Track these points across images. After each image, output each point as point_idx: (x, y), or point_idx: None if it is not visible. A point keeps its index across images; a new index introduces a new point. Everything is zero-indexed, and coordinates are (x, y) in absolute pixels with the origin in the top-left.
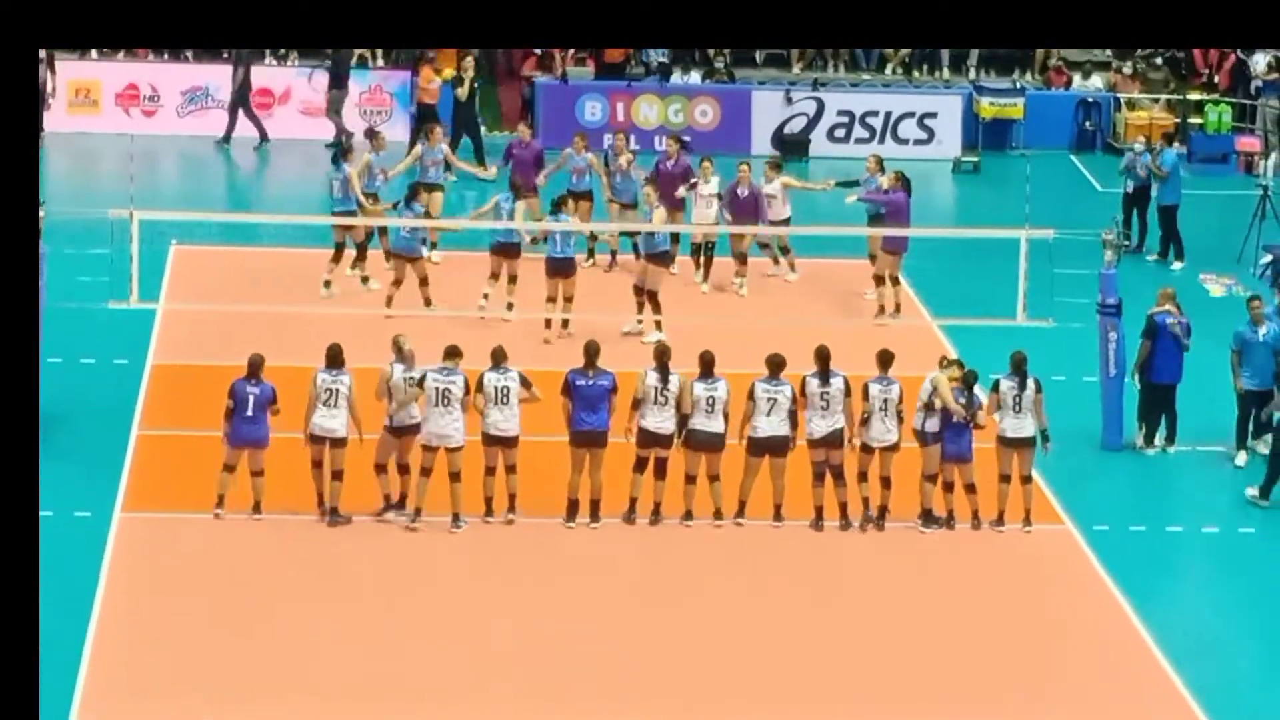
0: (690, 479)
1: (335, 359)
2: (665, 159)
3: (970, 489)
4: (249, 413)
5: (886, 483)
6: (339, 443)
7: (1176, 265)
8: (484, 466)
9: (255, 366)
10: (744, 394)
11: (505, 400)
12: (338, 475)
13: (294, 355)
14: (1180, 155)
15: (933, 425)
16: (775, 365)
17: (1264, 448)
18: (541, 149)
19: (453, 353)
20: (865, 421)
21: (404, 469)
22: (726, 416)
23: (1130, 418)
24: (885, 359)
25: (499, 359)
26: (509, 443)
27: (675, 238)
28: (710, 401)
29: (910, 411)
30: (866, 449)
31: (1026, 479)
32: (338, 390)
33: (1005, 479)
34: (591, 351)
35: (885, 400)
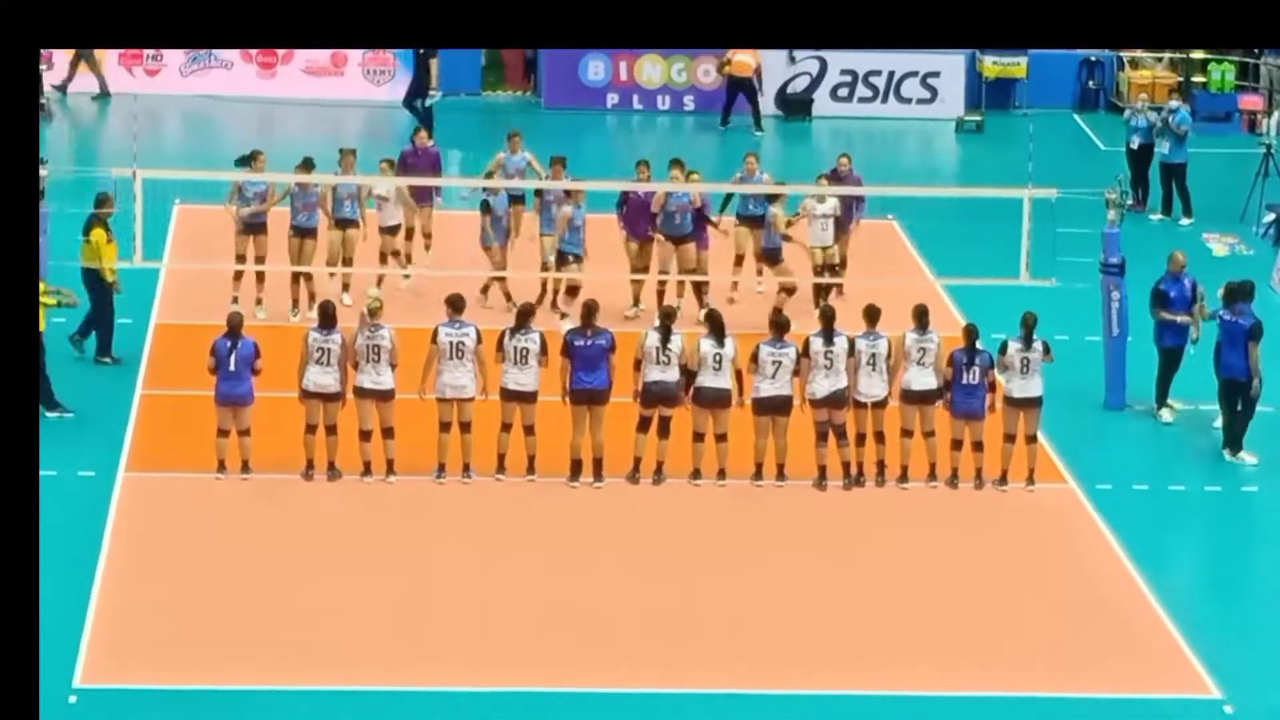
0: (698, 436)
1: (328, 318)
2: (633, 190)
3: (977, 447)
4: (231, 368)
5: (880, 438)
6: (334, 398)
7: (1185, 221)
8: (500, 422)
9: (235, 326)
10: (748, 355)
11: (525, 360)
12: (332, 430)
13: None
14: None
15: (923, 382)
16: (779, 326)
17: None
18: (438, 154)
19: (456, 304)
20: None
21: (365, 435)
22: (737, 374)
23: (1134, 378)
24: (872, 314)
25: (524, 318)
26: (527, 398)
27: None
28: (717, 359)
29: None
30: (857, 404)
31: (1031, 439)
32: (330, 349)
33: (1010, 439)
34: (590, 310)
35: (873, 355)
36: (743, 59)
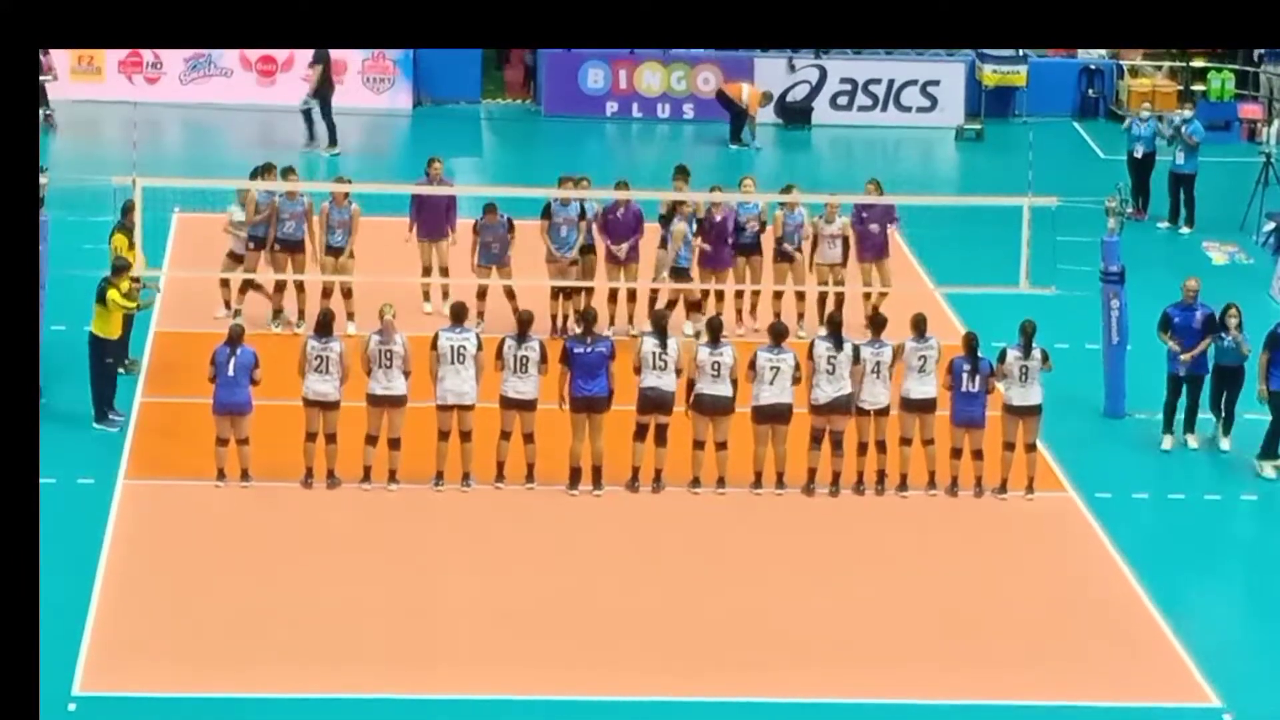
0: (698, 444)
1: (325, 327)
2: (614, 208)
3: (977, 455)
4: (230, 373)
5: (881, 446)
6: (332, 406)
7: (1185, 230)
8: (499, 430)
9: (235, 335)
10: (747, 362)
11: (524, 369)
12: (332, 438)
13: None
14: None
15: (923, 391)
16: (777, 334)
17: None
18: (452, 184)
19: (460, 313)
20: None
21: (371, 439)
22: (734, 382)
23: (1134, 386)
24: (878, 323)
25: (524, 327)
26: (527, 406)
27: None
28: (715, 366)
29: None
30: (861, 411)
31: (1031, 447)
32: (328, 357)
33: (1010, 447)
34: (589, 318)
35: (878, 364)
36: (739, 85)
